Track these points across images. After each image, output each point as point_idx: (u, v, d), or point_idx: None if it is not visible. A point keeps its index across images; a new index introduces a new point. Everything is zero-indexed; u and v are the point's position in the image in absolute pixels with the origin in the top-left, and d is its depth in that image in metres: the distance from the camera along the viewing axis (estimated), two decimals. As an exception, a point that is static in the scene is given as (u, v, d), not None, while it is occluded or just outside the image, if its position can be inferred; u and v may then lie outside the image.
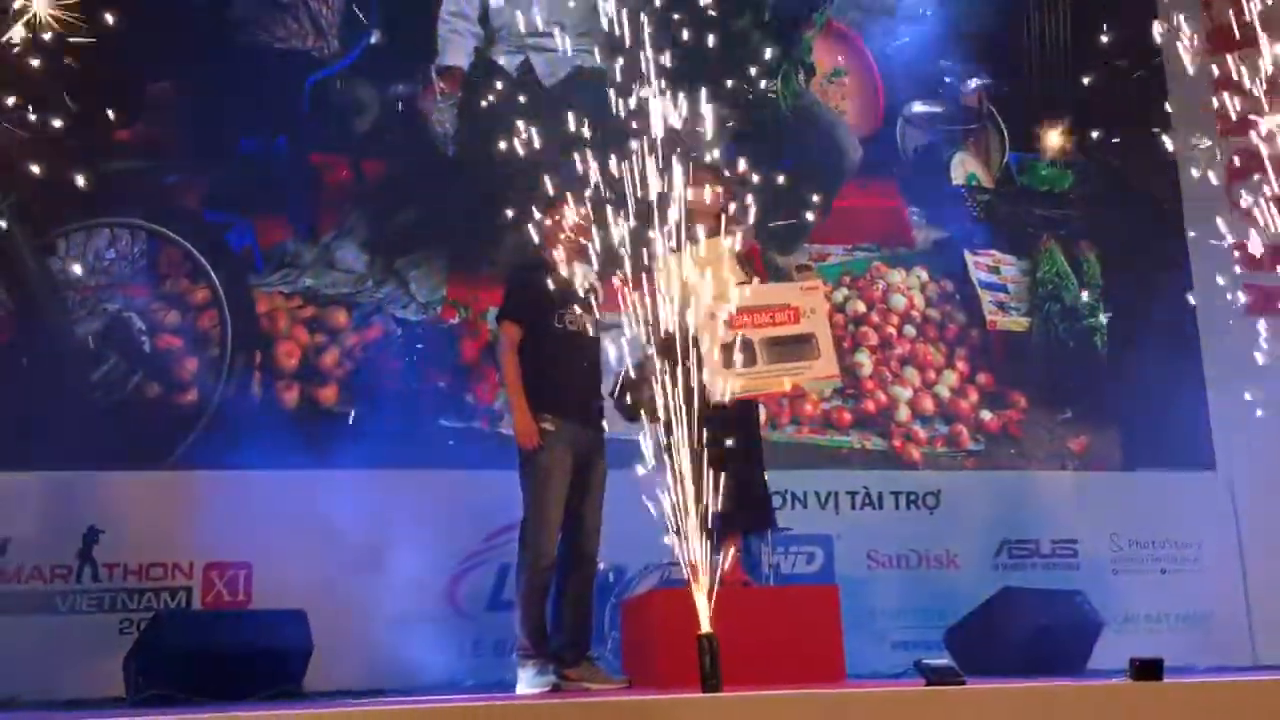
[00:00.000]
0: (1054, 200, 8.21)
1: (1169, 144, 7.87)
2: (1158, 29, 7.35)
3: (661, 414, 3.88)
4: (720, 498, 3.89)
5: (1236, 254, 7.55)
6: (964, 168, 8.17)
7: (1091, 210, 8.18)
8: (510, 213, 5.98)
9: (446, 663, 6.24)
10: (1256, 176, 6.65)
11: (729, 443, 4.41)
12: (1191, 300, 7.84)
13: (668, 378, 3.88)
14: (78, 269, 6.56)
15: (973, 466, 7.55)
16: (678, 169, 4.16)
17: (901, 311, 7.73)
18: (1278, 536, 7.37)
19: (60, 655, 5.83)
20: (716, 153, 5.19)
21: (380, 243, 7.04)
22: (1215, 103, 7.24)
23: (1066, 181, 8.24)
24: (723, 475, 3.90)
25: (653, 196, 4.19)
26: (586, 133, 4.92)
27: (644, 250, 4.27)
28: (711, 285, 4.36)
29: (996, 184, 8.19)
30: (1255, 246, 6.82)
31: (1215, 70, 7.28)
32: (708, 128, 4.85)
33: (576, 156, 4.57)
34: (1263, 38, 5.86)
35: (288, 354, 6.76)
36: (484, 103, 7.20)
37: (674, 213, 4.21)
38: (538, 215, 5.05)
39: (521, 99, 7.10)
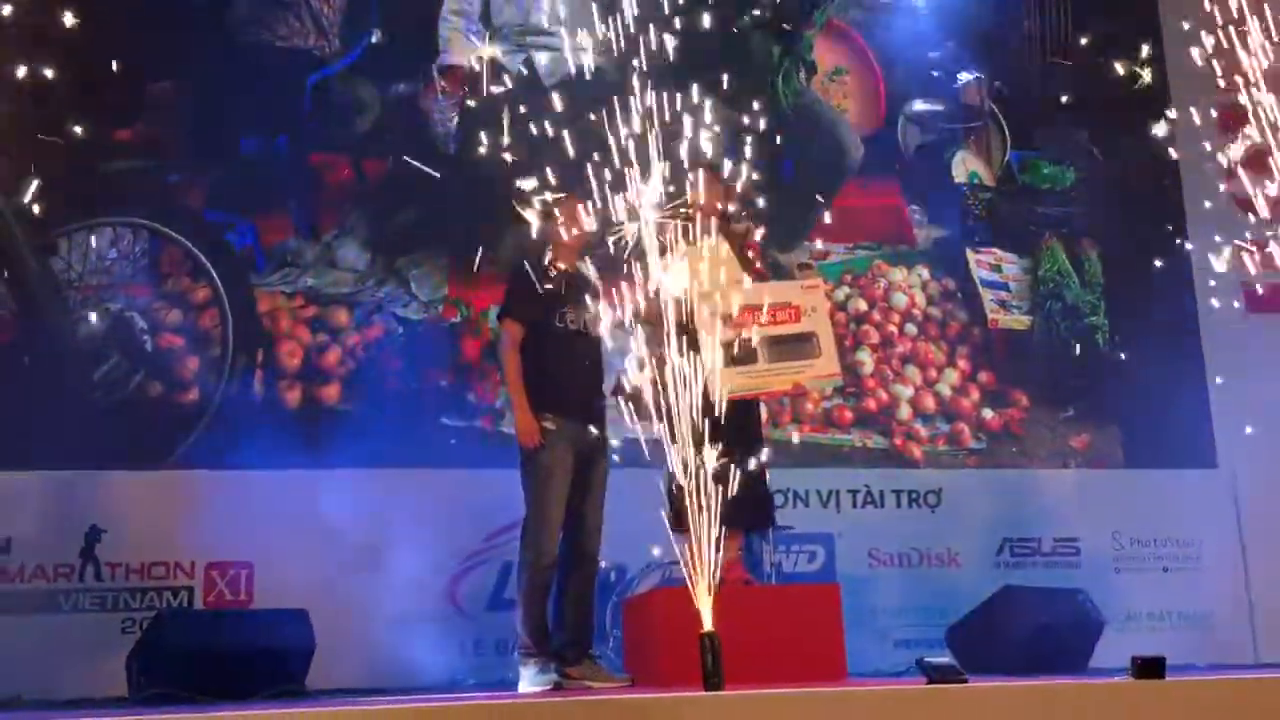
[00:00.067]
0: (1056, 198, 8.20)
1: (1170, 148, 7.86)
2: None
3: (660, 414, 3.88)
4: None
5: (1240, 253, 7.54)
6: (965, 166, 8.15)
7: (1093, 208, 8.17)
8: (511, 212, 5.98)
9: (448, 662, 6.25)
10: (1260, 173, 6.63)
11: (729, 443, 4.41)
12: (1193, 298, 7.83)
13: (671, 376, 3.88)
14: (79, 269, 6.57)
15: (974, 465, 7.54)
16: (678, 168, 4.16)
17: (903, 310, 7.72)
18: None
19: (62, 654, 5.83)
20: (718, 151, 5.19)
21: (381, 242, 7.05)
22: (1216, 105, 7.22)
23: (1068, 180, 8.23)
24: (723, 475, 3.90)
25: (653, 196, 4.19)
26: (588, 132, 4.91)
27: (644, 250, 4.27)
28: (712, 284, 4.36)
29: (998, 182, 8.18)
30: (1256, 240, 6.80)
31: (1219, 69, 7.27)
32: (708, 126, 4.85)
33: (576, 156, 4.57)
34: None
35: (289, 353, 6.76)
36: (486, 101, 7.20)
37: (674, 212, 4.21)
38: (539, 214, 5.05)
39: (523, 98, 7.10)
